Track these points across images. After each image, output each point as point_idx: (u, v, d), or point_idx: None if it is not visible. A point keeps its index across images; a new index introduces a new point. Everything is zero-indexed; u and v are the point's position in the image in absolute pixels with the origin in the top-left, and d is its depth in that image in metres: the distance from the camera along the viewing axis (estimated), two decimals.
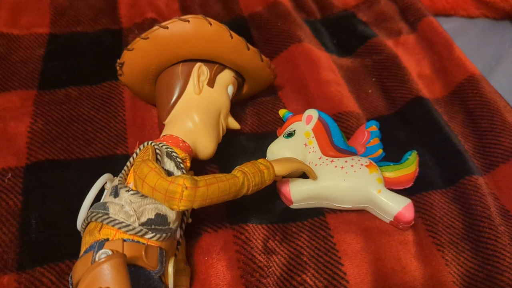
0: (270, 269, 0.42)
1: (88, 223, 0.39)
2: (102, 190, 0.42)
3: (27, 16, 0.70)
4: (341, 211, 0.48)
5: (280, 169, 0.43)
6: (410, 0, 0.78)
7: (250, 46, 0.50)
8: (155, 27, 0.46)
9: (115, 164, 0.51)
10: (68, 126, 0.55)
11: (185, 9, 0.75)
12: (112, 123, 0.56)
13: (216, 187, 0.38)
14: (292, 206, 0.48)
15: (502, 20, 0.85)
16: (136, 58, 0.49)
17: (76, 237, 0.43)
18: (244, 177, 0.40)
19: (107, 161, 0.52)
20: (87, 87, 0.60)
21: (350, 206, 0.47)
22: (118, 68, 0.51)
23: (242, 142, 0.55)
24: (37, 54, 0.64)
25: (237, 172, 0.40)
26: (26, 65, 0.62)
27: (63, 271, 0.42)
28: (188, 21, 0.46)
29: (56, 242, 0.45)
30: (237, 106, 0.57)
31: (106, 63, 0.63)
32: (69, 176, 0.50)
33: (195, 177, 0.37)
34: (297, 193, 0.47)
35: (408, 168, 0.49)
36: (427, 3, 0.83)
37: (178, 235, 0.41)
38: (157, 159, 0.40)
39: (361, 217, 0.47)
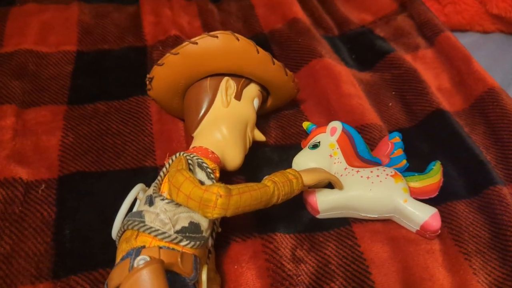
0: (299, 278, 0.43)
1: (124, 231, 0.40)
2: (134, 201, 0.43)
3: (55, 35, 0.72)
4: (366, 220, 0.49)
5: (308, 179, 0.44)
6: (427, 16, 0.79)
7: (276, 61, 0.51)
8: (185, 43, 0.48)
9: (145, 175, 0.53)
10: (98, 139, 0.56)
11: (206, 27, 0.77)
12: (141, 137, 0.57)
13: (248, 195, 0.39)
14: (319, 216, 0.49)
15: None
16: (166, 73, 0.51)
17: (108, 247, 0.45)
18: (275, 186, 0.41)
19: (136, 173, 0.53)
20: (114, 102, 0.62)
21: (376, 216, 0.48)
22: (147, 82, 0.53)
23: (267, 154, 0.56)
24: (65, 70, 0.67)
25: (267, 181, 0.41)
26: (55, 81, 0.65)
27: (97, 279, 0.43)
28: (217, 36, 0.48)
29: (89, 251, 0.46)
30: (261, 119, 0.59)
31: (132, 79, 0.66)
32: (101, 187, 0.51)
33: (229, 186, 0.39)
34: (324, 203, 0.48)
35: (433, 178, 0.49)
36: (443, 19, 0.85)
37: (209, 244, 0.42)
38: (189, 169, 0.41)
39: (387, 227, 0.48)
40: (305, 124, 0.58)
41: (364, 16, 0.84)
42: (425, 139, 0.59)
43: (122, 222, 0.40)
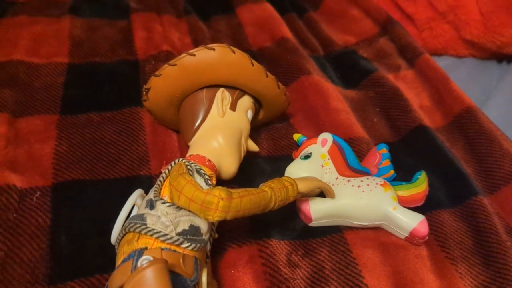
0: (295, 282, 0.44)
1: (124, 234, 0.40)
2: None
3: (47, 47, 0.73)
4: (357, 228, 0.50)
5: (302, 186, 0.46)
6: (406, 39, 0.83)
7: (269, 74, 0.53)
8: (183, 54, 0.49)
9: (140, 184, 0.53)
10: (91, 148, 0.57)
11: (197, 43, 0.79)
12: (134, 146, 0.58)
13: (248, 199, 0.40)
14: (311, 224, 0.50)
15: (488, 60, 0.91)
16: (163, 83, 0.52)
17: (104, 253, 0.45)
18: (272, 192, 0.42)
19: (131, 181, 0.54)
20: (107, 112, 0.63)
21: (367, 223, 0.50)
22: (144, 93, 0.54)
23: (260, 164, 0.58)
24: (57, 81, 0.67)
25: (265, 187, 0.43)
26: (47, 91, 0.65)
27: (94, 285, 0.43)
28: (214, 49, 0.49)
29: (85, 257, 0.46)
30: (252, 131, 0.60)
31: (125, 91, 0.67)
32: (95, 195, 0.51)
33: (229, 190, 0.40)
34: (317, 211, 0.49)
35: (419, 187, 0.52)
36: (420, 43, 0.89)
37: (208, 248, 0.43)
38: (189, 175, 0.42)
39: (377, 234, 0.50)
40: (296, 136, 0.60)
41: (347, 38, 0.88)
42: (409, 153, 0.62)
43: (123, 225, 0.41)
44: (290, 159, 0.56)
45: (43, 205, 0.49)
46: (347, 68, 0.79)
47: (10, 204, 0.48)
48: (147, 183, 0.54)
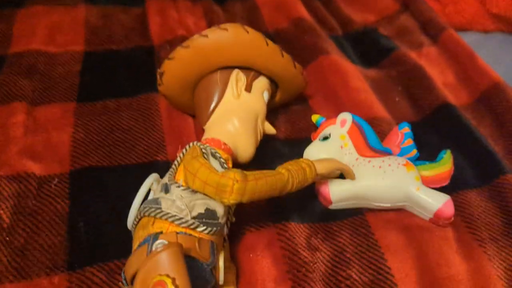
0: (315, 265, 0.43)
1: (140, 219, 0.40)
2: (146, 195, 0.43)
3: (63, 35, 0.73)
4: (379, 210, 0.49)
5: (320, 168, 0.45)
6: (429, 15, 0.80)
7: (284, 53, 0.52)
8: (195, 36, 0.48)
9: (156, 170, 0.51)
10: (108, 135, 0.57)
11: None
12: (151, 132, 0.57)
13: (264, 182, 0.39)
14: (331, 207, 0.49)
15: None
16: (176, 67, 0.51)
17: (122, 239, 0.45)
18: (289, 174, 0.41)
19: (148, 167, 0.53)
20: (124, 99, 0.62)
21: (389, 205, 0.48)
22: (158, 78, 0.53)
23: (277, 147, 0.56)
24: (74, 69, 0.67)
25: (281, 169, 0.42)
26: (64, 80, 0.65)
27: (112, 270, 0.43)
28: (227, 29, 0.48)
29: (103, 243, 0.46)
30: (270, 113, 0.59)
31: (141, 77, 0.66)
32: (113, 181, 0.51)
33: (245, 172, 0.39)
34: (337, 193, 0.48)
35: (444, 166, 0.50)
36: (444, 19, 0.86)
37: (225, 232, 0.42)
38: (204, 158, 0.42)
39: (400, 216, 0.48)
40: (315, 117, 0.58)
41: (367, 16, 0.85)
42: (433, 132, 0.60)
43: (138, 209, 0.40)
44: (309, 142, 0.55)
45: (61, 192, 0.49)
46: (367, 47, 0.76)
47: (29, 191, 0.49)
48: (164, 168, 0.53)
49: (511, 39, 0.87)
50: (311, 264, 0.43)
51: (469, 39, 0.84)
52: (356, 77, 0.65)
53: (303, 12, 0.80)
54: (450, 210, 0.45)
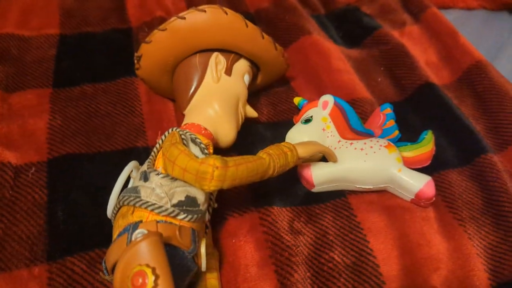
0: (298, 248, 0.43)
1: (119, 208, 0.39)
2: (127, 182, 0.42)
3: (36, 18, 0.71)
4: (362, 192, 0.49)
5: (302, 151, 0.44)
6: None
7: (265, 35, 0.51)
8: (173, 18, 0.47)
9: (137, 156, 0.52)
10: (86, 121, 0.55)
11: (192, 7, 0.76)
12: (130, 117, 0.56)
13: (244, 167, 0.39)
14: (314, 190, 0.49)
15: (500, 11, 0.87)
16: (154, 50, 0.50)
17: (102, 227, 0.44)
18: (270, 159, 0.41)
19: (128, 153, 0.52)
20: (101, 84, 0.61)
21: (371, 187, 0.48)
22: (135, 61, 0.52)
23: (259, 130, 0.56)
24: (49, 54, 0.65)
25: (262, 153, 0.41)
26: (39, 65, 0.63)
27: (93, 259, 0.43)
28: (205, 11, 0.47)
29: (83, 232, 0.45)
30: (252, 96, 0.58)
31: (119, 61, 0.64)
32: (92, 169, 0.50)
33: (225, 158, 0.38)
34: (319, 176, 0.48)
35: (426, 147, 0.50)
36: None
37: (206, 219, 0.42)
38: (183, 144, 0.41)
39: (381, 197, 0.48)
40: (296, 100, 0.57)
41: None
42: (415, 112, 0.59)
43: (117, 198, 0.39)
44: (291, 124, 0.54)
45: (39, 181, 0.48)
46: (350, 26, 0.75)
47: (6, 181, 0.48)
48: (144, 155, 0.52)
49: (493, 16, 0.86)
50: (294, 248, 0.43)
51: (452, 16, 0.84)
52: (338, 57, 0.64)
53: None
54: (431, 190, 0.46)
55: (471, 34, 0.79)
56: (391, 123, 0.52)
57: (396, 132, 0.52)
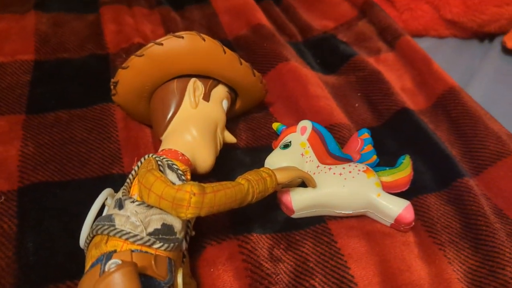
0: (278, 277, 0.42)
1: (92, 237, 0.38)
2: (101, 210, 0.41)
3: (11, 43, 0.70)
4: (341, 217, 0.48)
5: (281, 177, 0.44)
6: (386, 21, 0.81)
7: (243, 61, 0.51)
8: (150, 44, 0.47)
9: (112, 183, 0.50)
10: (61, 148, 0.54)
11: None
12: (106, 144, 0.55)
13: (223, 193, 0.38)
14: (293, 216, 0.48)
15: (470, 39, 0.90)
16: (131, 76, 0.49)
17: (75, 258, 0.43)
18: (249, 184, 0.40)
19: (103, 181, 0.51)
20: (77, 110, 0.60)
21: (351, 212, 0.48)
22: (112, 87, 0.51)
23: (238, 156, 0.55)
24: (23, 80, 0.64)
25: (241, 179, 0.41)
26: (12, 91, 0.62)
27: None
28: (182, 37, 0.47)
29: (54, 263, 0.43)
30: (231, 122, 0.58)
31: (95, 87, 0.64)
32: (65, 197, 0.49)
33: (202, 184, 0.37)
34: (298, 202, 0.47)
35: (404, 171, 0.50)
36: (400, 25, 0.87)
37: (183, 247, 0.41)
38: (159, 171, 0.40)
39: (361, 222, 0.48)
40: (275, 125, 0.57)
41: (326, 23, 0.86)
42: (393, 137, 0.60)
43: (91, 227, 0.38)
44: (270, 150, 0.54)
45: (9, 211, 0.47)
46: (327, 53, 0.76)
47: None
48: (120, 182, 0.50)
49: (464, 44, 0.89)
50: (274, 276, 0.42)
51: (425, 44, 0.86)
52: (316, 83, 0.65)
53: (263, 18, 0.79)
54: (410, 215, 0.45)
55: (443, 61, 0.82)
56: (369, 148, 0.52)
57: (374, 157, 0.52)
